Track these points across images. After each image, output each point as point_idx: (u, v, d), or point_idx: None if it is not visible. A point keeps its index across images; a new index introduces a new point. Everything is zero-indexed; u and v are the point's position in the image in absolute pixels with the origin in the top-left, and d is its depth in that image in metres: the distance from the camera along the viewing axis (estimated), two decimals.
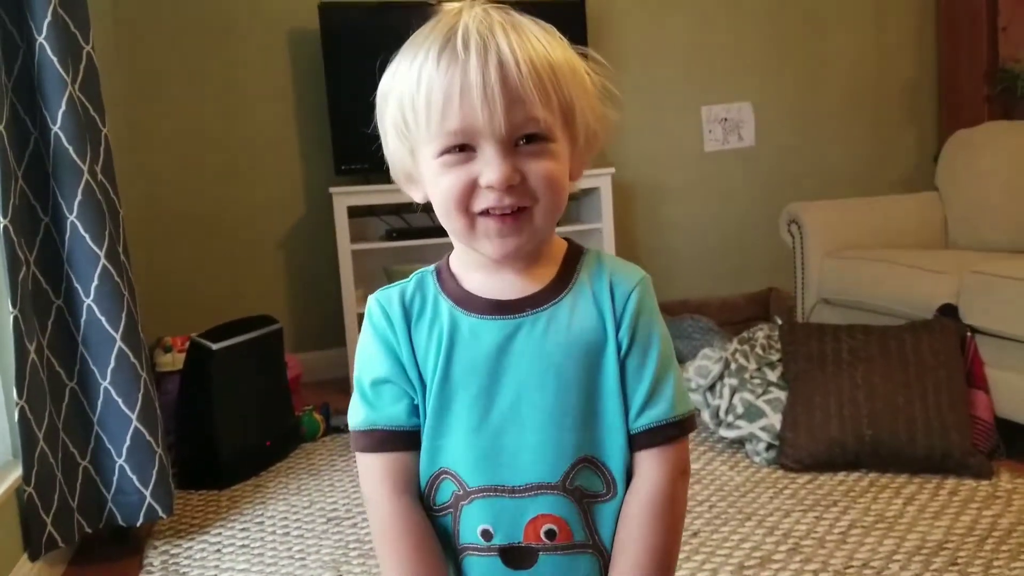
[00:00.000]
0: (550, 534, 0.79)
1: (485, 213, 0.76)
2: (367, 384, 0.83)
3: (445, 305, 0.82)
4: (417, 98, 0.75)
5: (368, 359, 0.84)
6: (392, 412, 0.82)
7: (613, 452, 0.80)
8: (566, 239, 0.87)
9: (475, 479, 0.80)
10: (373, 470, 0.83)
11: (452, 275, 0.84)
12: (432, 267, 0.86)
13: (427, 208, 0.80)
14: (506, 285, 0.81)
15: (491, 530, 0.80)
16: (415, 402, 0.82)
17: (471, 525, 0.80)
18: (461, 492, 0.80)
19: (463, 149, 0.75)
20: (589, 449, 0.80)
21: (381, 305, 0.84)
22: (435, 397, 0.81)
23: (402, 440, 0.82)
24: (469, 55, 0.72)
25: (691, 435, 0.85)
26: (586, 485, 0.80)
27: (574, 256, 0.84)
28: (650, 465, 0.80)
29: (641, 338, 0.81)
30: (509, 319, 0.80)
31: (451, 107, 0.73)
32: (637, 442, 0.81)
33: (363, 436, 0.83)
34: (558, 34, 0.80)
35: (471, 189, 0.75)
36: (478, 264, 0.82)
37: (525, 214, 0.76)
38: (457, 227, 0.78)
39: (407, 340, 0.82)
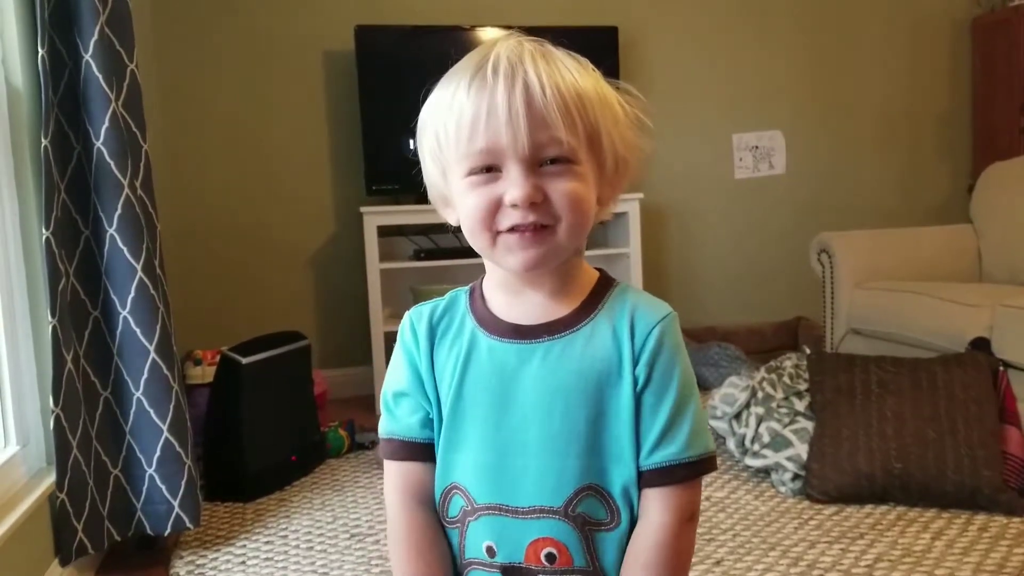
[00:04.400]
0: (550, 557, 0.81)
1: (510, 231, 0.78)
2: (390, 395, 0.89)
3: (469, 324, 0.86)
4: (449, 121, 0.79)
5: (393, 371, 0.89)
6: (407, 423, 0.87)
7: (619, 483, 0.81)
8: (599, 270, 0.89)
9: (482, 496, 0.82)
10: (390, 477, 0.89)
11: (482, 296, 0.88)
12: (469, 286, 0.90)
13: (457, 230, 0.83)
14: (529, 309, 0.84)
15: (494, 547, 0.82)
16: (430, 416, 0.86)
17: (476, 540, 0.83)
18: (469, 508, 0.83)
19: (490, 170, 0.78)
20: (594, 478, 0.81)
21: (412, 321, 0.89)
22: (449, 412, 0.84)
23: (414, 451, 0.86)
24: (497, 80, 0.76)
25: (712, 472, 0.84)
26: (589, 512, 0.81)
27: (603, 287, 0.86)
28: (656, 507, 0.80)
29: (659, 376, 0.81)
30: (525, 344, 0.83)
31: (478, 128, 0.77)
32: (645, 480, 0.81)
33: (384, 444, 0.89)
34: (591, 67, 0.83)
35: (496, 208, 0.78)
36: (506, 287, 0.85)
37: (547, 231, 0.78)
38: (482, 244, 0.81)
39: (429, 356, 0.86)
